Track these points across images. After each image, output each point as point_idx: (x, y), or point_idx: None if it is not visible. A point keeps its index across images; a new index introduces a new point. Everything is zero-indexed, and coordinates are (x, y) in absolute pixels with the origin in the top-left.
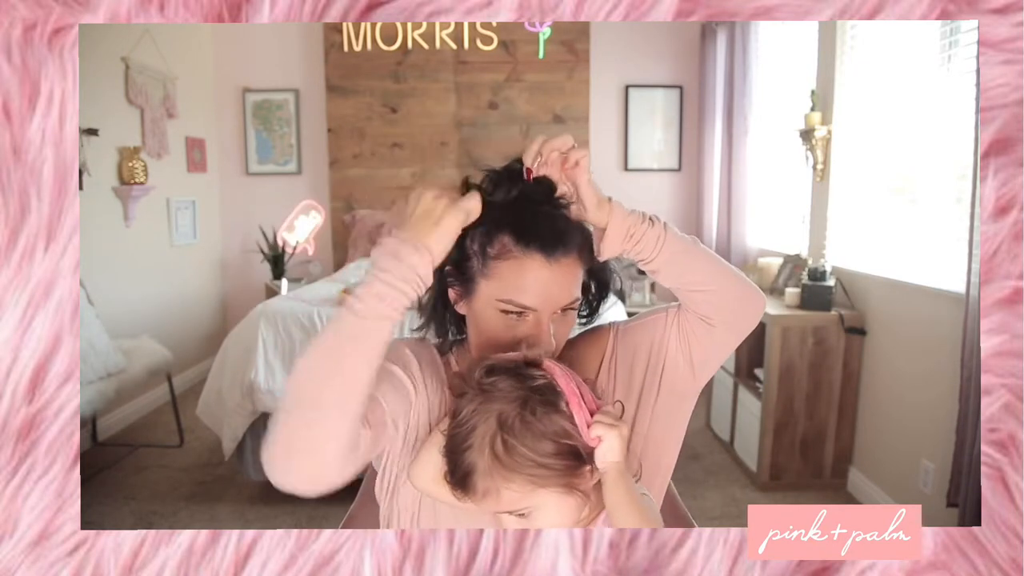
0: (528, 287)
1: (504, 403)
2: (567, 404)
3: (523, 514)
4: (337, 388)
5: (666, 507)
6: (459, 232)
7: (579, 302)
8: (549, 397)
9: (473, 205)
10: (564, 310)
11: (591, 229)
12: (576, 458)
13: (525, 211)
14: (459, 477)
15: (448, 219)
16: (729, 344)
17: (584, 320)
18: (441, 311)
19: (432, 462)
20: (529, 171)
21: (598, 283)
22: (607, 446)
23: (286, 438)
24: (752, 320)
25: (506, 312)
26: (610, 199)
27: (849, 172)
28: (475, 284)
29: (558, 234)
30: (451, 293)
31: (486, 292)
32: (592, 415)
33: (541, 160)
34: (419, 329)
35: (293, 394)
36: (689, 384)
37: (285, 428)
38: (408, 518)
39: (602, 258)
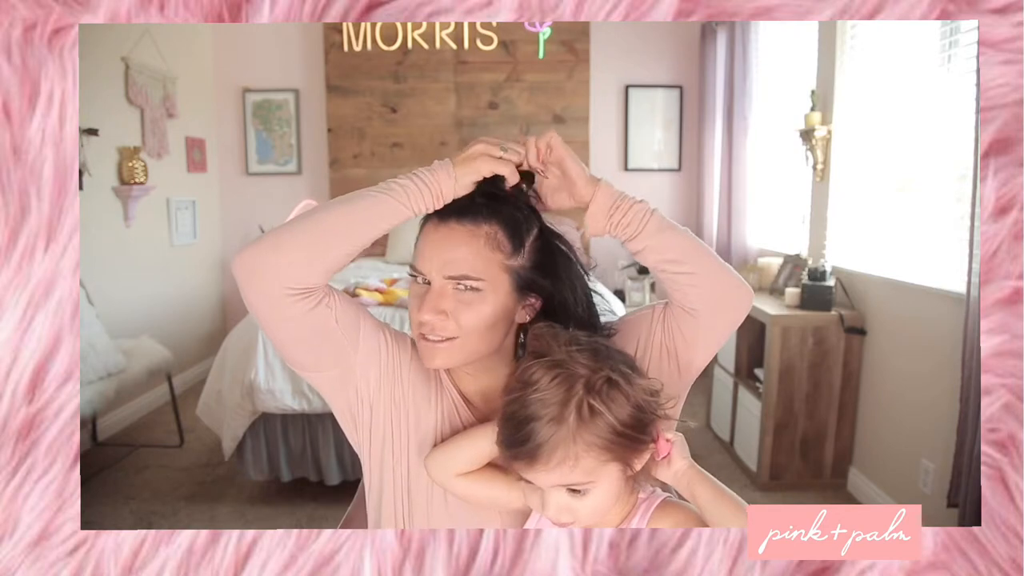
0: (421, 247)
1: (588, 371)
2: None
3: (578, 490)
4: (333, 230)
5: None
6: (485, 176)
7: (479, 283)
8: (629, 365)
9: (505, 166)
10: (458, 286)
11: (576, 232)
12: (645, 431)
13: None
14: (531, 448)
15: (480, 161)
16: (713, 337)
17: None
18: None
19: (462, 457)
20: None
21: (557, 301)
22: (677, 448)
23: (278, 235)
24: (737, 312)
25: (415, 278)
26: (599, 179)
27: (849, 172)
28: None
29: (459, 204)
30: None
31: None
32: None
33: (525, 159)
34: None
35: (302, 217)
36: (675, 381)
37: (281, 230)
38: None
39: (590, 235)
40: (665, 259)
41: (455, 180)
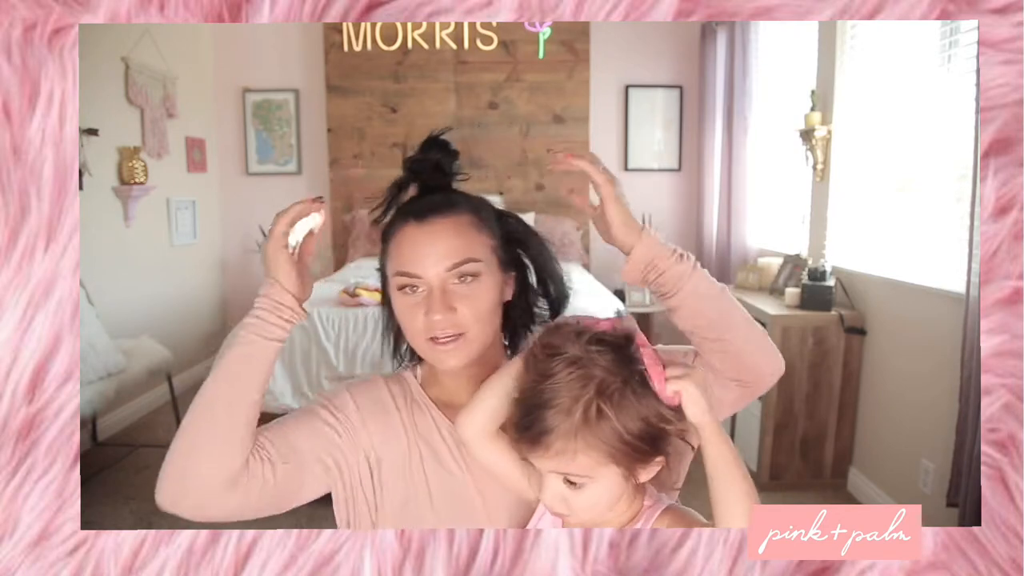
0: (407, 252)
1: (606, 374)
2: (642, 356)
3: (576, 483)
4: (215, 415)
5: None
6: (286, 255)
7: (479, 265)
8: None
9: (279, 226)
10: (461, 276)
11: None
12: (654, 446)
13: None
14: (536, 433)
15: (270, 252)
16: (738, 402)
17: (547, 311)
18: (395, 327)
19: (486, 412)
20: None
21: (536, 266)
22: (688, 397)
23: (173, 461)
24: (763, 384)
25: (403, 290)
26: (643, 226)
27: (849, 172)
28: (386, 275)
29: (429, 201)
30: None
31: (389, 277)
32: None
33: (560, 159)
34: (393, 356)
35: (185, 419)
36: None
37: (172, 452)
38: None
39: (624, 281)
40: (697, 323)
41: (281, 285)
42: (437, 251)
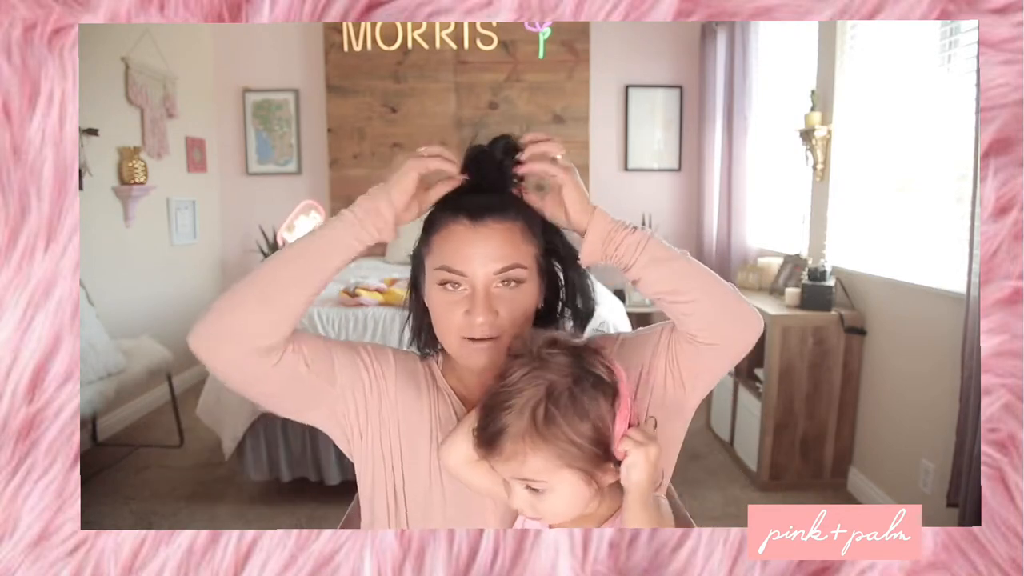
0: (456, 250)
1: (558, 376)
2: (617, 404)
3: (537, 489)
4: (282, 279)
5: None
6: (416, 179)
7: (524, 272)
8: (602, 384)
9: (433, 162)
10: (506, 280)
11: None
12: (606, 451)
13: (462, 190)
14: (490, 434)
15: (406, 168)
16: (719, 366)
17: (574, 319)
18: (419, 315)
19: (466, 442)
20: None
21: (567, 279)
22: (631, 462)
23: (221, 308)
24: (742, 342)
25: (444, 285)
26: (595, 207)
27: (849, 172)
28: (424, 267)
29: (486, 202)
30: (422, 292)
31: (429, 269)
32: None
33: (527, 155)
34: (411, 343)
35: (245, 278)
36: (681, 402)
37: (224, 300)
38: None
39: (584, 263)
40: (660, 290)
41: (390, 199)
42: (487, 254)
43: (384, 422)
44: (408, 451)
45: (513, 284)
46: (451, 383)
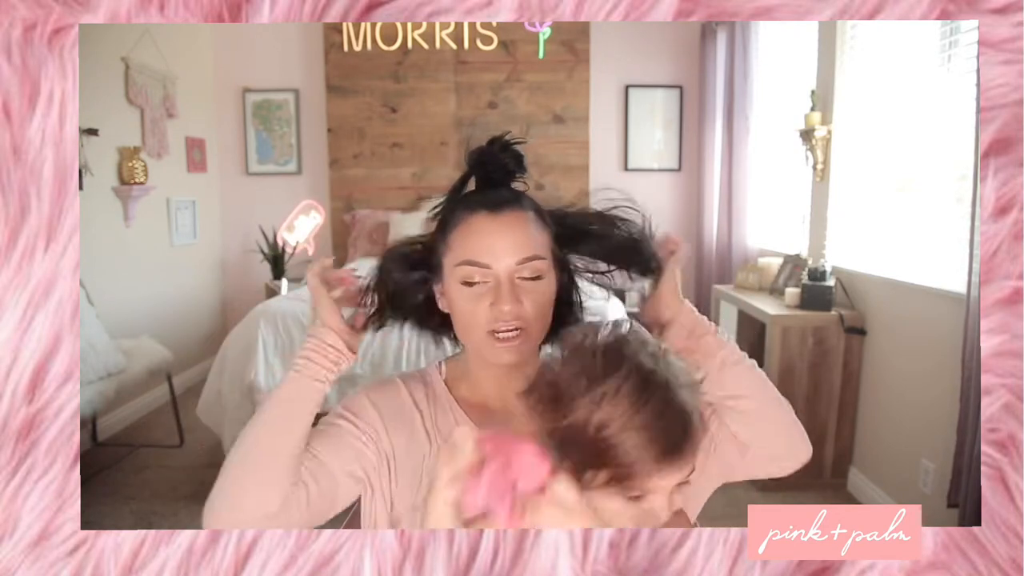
0: (478, 242)
1: (594, 412)
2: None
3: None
4: (262, 453)
5: None
6: (321, 286)
7: (543, 264)
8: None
9: (316, 274)
10: (528, 273)
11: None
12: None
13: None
14: (673, 443)
15: (309, 287)
16: (752, 472)
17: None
18: (426, 318)
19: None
20: None
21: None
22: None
23: (220, 496)
24: (786, 461)
25: (468, 284)
26: (684, 300)
27: (849, 172)
28: (443, 266)
29: (499, 194)
30: (437, 296)
31: (449, 267)
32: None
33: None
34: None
35: (229, 456)
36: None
37: (218, 489)
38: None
39: (673, 347)
40: (724, 394)
41: (323, 322)
42: (509, 243)
43: (383, 459)
44: (407, 489)
45: (534, 274)
46: (459, 392)
